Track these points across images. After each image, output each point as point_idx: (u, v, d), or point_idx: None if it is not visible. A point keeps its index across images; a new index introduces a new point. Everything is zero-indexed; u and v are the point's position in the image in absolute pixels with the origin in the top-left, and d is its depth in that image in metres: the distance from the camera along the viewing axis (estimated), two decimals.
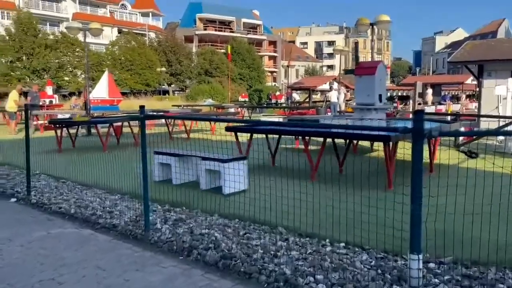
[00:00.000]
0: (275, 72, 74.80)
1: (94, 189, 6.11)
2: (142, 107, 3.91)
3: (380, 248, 3.49)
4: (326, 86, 24.05)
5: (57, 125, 9.71)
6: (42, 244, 3.89)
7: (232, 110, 26.36)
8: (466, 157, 8.35)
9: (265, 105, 32.11)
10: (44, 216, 4.87)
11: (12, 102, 14.03)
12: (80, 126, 11.87)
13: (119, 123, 11.46)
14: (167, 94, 46.29)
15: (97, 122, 10.14)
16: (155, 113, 11.14)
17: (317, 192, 4.84)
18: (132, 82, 40.72)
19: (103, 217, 4.66)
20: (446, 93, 33.40)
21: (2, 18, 45.96)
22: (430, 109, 26.50)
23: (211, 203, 5.00)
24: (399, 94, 34.70)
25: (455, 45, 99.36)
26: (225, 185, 5.47)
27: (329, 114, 17.56)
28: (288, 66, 28.53)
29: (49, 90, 21.51)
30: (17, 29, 36.58)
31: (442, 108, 27.34)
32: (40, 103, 18.22)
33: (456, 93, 34.91)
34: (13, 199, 5.64)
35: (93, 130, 13.45)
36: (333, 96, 17.69)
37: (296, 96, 29.15)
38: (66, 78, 39.37)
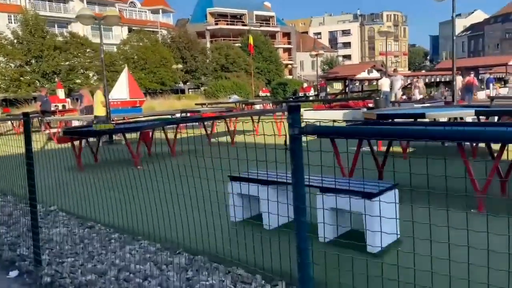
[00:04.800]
0: (290, 64, 72.19)
1: (141, 240, 3.87)
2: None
3: None
4: (365, 74, 21.56)
5: (75, 136, 7.48)
6: None
7: (258, 106, 24.11)
8: None
9: (291, 99, 29.69)
10: None
11: (100, 104, 11.79)
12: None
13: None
14: (183, 93, 44.16)
15: (131, 129, 7.83)
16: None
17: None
18: (147, 81, 38.60)
19: None
20: (489, 76, 30.47)
21: (9, 22, 44.24)
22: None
23: (347, 274, 2.71)
24: (438, 79, 31.77)
25: (475, 27, 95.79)
26: (374, 238, 3.15)
27: None
28: (316, 55, 26.08)
29: (60, 93, 19.41)
30: (24, 31, 34.71)
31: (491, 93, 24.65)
32: (52, 109, 16.18)
33: (500, 76, 31.95)
34: (13, 273, 3.40)
35: (115, 137, 11.29)
36: (384, 85, 15.20)
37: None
38: (78, 81, 37.42)
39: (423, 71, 58.69)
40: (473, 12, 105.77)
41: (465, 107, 7.38)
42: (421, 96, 19.06)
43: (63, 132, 7.38)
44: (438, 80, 32.82)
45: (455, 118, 7.22)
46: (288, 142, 1.66)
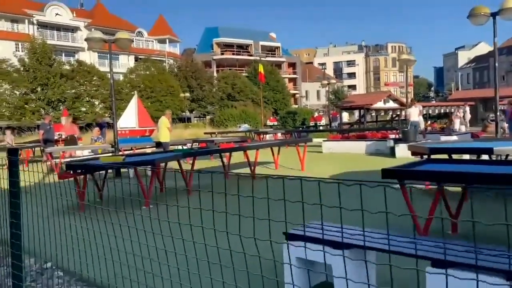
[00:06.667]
0: (296, 94, 71.93)
1: None
2: None
3: None
4: (381, 104, 20.75)
5: (78, 171, 6.49)
6: None
7: (268, 136, 23.21)
8: None
9: (300, 129, 28.81)
10: None
11: (166, 130, 12.14)
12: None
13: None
14: (189, 122, 43.51)
15: (144, 162, 6.82)
16: None
17: None
18: (153, 110, 37.99)
19: None
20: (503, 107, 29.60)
21: (16, 50, 44.26)
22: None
23: None
24: (448, 110, 31.07)
25: (479, 59, 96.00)
26: None
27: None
28: (328, 84, 25.35)
29: (65, 121, 18.57)
30: (31, 59, 34.43)
31: None
32: (56, 137, 15.29)
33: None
34: None
35: (123, 169, 10.29)
36: (413, 114, 14.26)
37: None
38: (83, 109, 36.87)
39: (433, 101, 58.24)
40: (477, 45, 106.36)
41: None
42: (463, 127, 18.16)
43: (66, 166, 6.40)
44: (447, 111, 32.18)
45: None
46: None
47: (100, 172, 8.20)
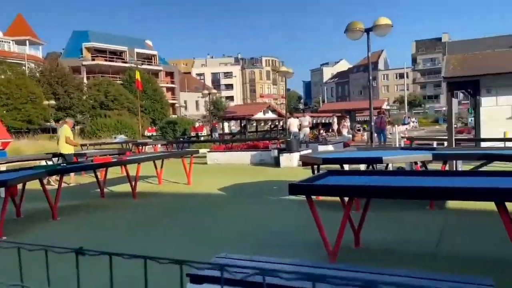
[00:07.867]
0: (174, 104, 70.48)
1: None
2: None
3: None
4: (261, 115, 21.17)
5: None
6: None
7: (148, 148, 21.92)
8: None
9: (181, 139, 27.91)
10: None
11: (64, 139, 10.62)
12: None
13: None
14: (54, 132, 39.11)
15: None
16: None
17: None
18: (10, 119, 33.16)
19: None
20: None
21: None
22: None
23: None
24: (319, 121, 33.50)
25: (340, 75, 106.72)
26: None
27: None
28: (209, 94, 24.97)
29: None
30: None
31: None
32: None
33: (367, 119, 35.10)
34: None
35: None
36: (293, 125, 14.58)
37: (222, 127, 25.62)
38: None
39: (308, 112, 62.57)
40: (338, 62, 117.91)
41: (417, 150, 6.77)
42: (350, 136, 19.41)
43: None
44: (319, 121, 34.80)
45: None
46: None
47: None
